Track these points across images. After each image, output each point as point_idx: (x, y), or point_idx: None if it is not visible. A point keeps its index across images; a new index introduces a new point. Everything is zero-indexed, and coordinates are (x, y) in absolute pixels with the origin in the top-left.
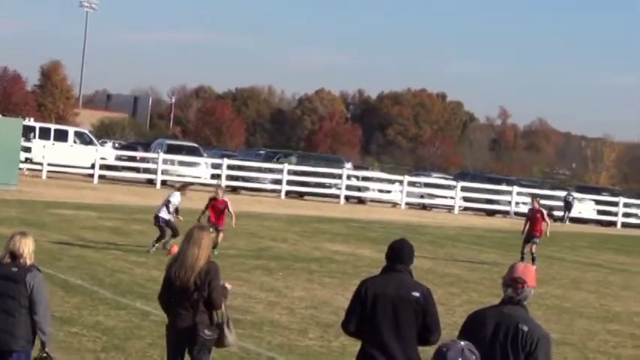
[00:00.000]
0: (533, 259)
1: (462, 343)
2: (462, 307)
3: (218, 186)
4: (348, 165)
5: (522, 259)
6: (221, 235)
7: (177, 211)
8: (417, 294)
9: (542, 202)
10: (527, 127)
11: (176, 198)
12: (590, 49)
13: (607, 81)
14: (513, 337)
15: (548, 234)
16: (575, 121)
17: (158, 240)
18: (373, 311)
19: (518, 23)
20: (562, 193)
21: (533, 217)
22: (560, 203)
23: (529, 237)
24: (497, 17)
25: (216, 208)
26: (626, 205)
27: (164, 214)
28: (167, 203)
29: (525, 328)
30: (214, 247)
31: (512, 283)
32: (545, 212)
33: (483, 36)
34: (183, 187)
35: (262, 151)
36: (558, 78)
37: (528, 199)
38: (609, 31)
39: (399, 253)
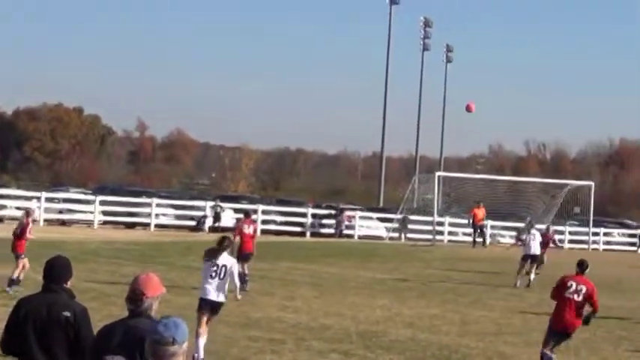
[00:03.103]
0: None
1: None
2: (102, 321)
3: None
4: None
5: (245, 281)
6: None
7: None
8: (67, 313)
9: (187, 213)
10: (165, 139)
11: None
12: (223, 58)
13: (243, 90)
14: (141, 348)
15: (255, 252)
16: (214, 131)
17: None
18: (25, 331)
19: (159, 33)
20: (207, 204)
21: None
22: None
23: (241, 254)
24: (132, 25)
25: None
26: (264, 212)
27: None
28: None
29: None
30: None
31: (132, 295)
32: (254, 229)
33: (115, 46)
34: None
35: None
36: (194, 88)
37: (168, 211)
38: (238, 42)
39: (51, 272)
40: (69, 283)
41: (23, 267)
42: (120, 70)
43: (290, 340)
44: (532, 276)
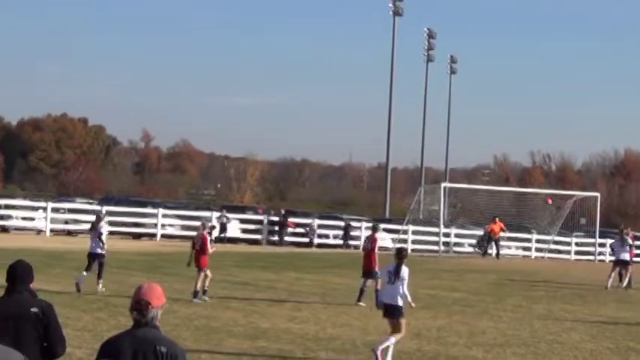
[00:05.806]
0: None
1: None
2: (110, 331)
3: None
4: None
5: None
6: (202, 275)
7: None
8: (35, 309)
9: (193, 223)
10: (170, 149)
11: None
12: (229, 68)
13: (248, 100)
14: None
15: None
16: (219, 142)
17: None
18: None
19: (143, 43)
20: (213, 214)
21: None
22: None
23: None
24: (127, 38)
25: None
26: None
27: None
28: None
29: (164, 349)
30: (204, 292)
31: (137, 305)
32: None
33: (119, 57)
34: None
35: None
36: (199, 99)
37: (175, 221)
38: (242, 53)
39: (14, 274)
40: (31, 285)
41: (206, 276)
42: (125, 80)
43: (298, 350)
44: (625, 280)
